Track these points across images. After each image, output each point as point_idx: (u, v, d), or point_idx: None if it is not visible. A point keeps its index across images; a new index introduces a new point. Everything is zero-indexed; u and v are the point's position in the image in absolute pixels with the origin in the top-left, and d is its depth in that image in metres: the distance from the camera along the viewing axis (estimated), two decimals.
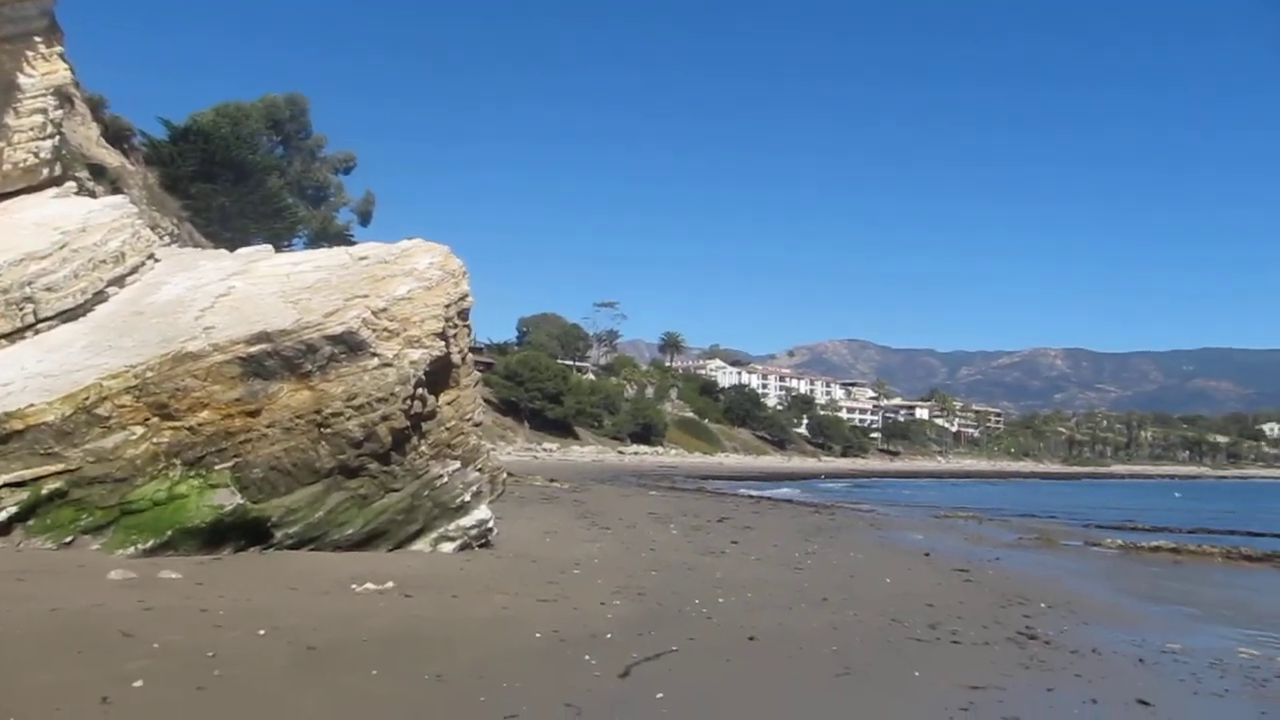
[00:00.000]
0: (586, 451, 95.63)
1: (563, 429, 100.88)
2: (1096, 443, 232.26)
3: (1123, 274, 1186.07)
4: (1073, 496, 74.77)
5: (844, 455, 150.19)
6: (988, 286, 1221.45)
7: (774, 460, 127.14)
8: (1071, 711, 8.97)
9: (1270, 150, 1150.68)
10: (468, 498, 15.93)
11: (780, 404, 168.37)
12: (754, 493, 52.09)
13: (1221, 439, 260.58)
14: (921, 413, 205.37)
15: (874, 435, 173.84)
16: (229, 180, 54.71)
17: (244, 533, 13.66)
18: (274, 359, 13.67)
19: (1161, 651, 12.34)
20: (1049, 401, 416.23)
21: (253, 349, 13.62)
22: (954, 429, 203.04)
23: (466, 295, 16.16)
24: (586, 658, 9.42)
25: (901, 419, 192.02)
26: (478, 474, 16.26)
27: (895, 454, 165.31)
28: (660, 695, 8.36)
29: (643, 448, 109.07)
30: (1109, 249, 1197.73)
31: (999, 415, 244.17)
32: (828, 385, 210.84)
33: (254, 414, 13.60)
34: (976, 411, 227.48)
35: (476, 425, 16.94)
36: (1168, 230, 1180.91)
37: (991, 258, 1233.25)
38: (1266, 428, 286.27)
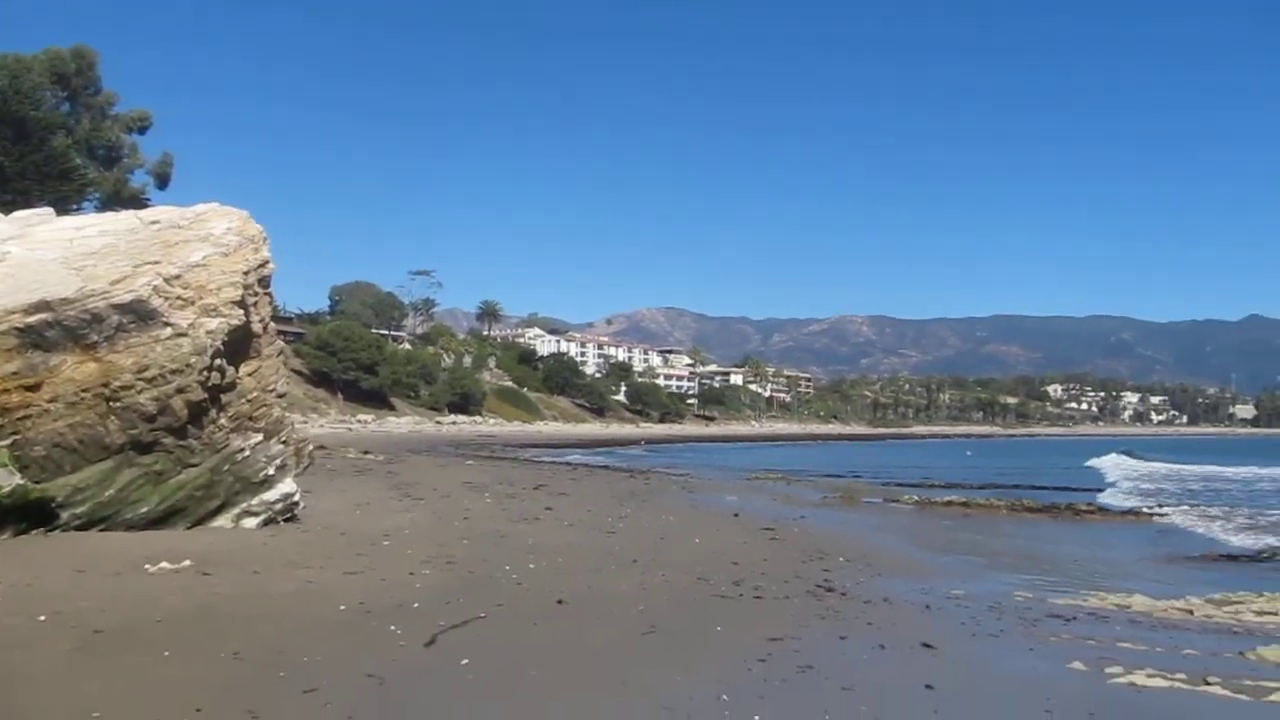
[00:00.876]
0: (403, 422, 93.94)
1: (378, 400, 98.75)
2: (899, 405, 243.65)
3: (923, 244, 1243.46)
4: (876, 456, 78.31)
5: (661, 421, 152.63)
6: (799, 257, 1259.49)
7: (593, 428, 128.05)
8: (861, 657, 9.46)
9: (1047, 125, 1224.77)
10: (271, 471, 15.47)
11: (599, 372, 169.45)
12: (571, 460, 52.46)
13: (1011, 400, 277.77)
14: (736, 379, 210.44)
15: (691, 401, 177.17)
16: (7, 139, 50.94)
17: (25, 514, 12.85)
18: (55, 329, 12.89)
19: (946, 598, 13.16)
20: (855, 366, 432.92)
21: (31, 319, 12.80)
22: (767, 394, 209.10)
23: (267, 262, 15.63)
24: (392, 628, 9.34)
25: (717, 385, 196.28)
26: (282, 447, 15.80)
27: (711, 419, 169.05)
28: (466, 661, 8.38)
29: (461, 417, 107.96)
30: (909, 220, 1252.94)
31: (809, 380, 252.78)
32: (645, 353, 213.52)
33: (34, 388, 12.81)
34: (788, 377, 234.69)
35: (281, 397, 16.45)
36: (961, 202, 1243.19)
37: (802, 229, 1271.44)
38: (1051, 389, 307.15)
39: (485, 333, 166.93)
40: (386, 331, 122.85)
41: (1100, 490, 40.04)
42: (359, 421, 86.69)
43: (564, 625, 10.08)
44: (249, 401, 15.07)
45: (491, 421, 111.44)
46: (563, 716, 7.20)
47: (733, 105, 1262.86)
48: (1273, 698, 8.63)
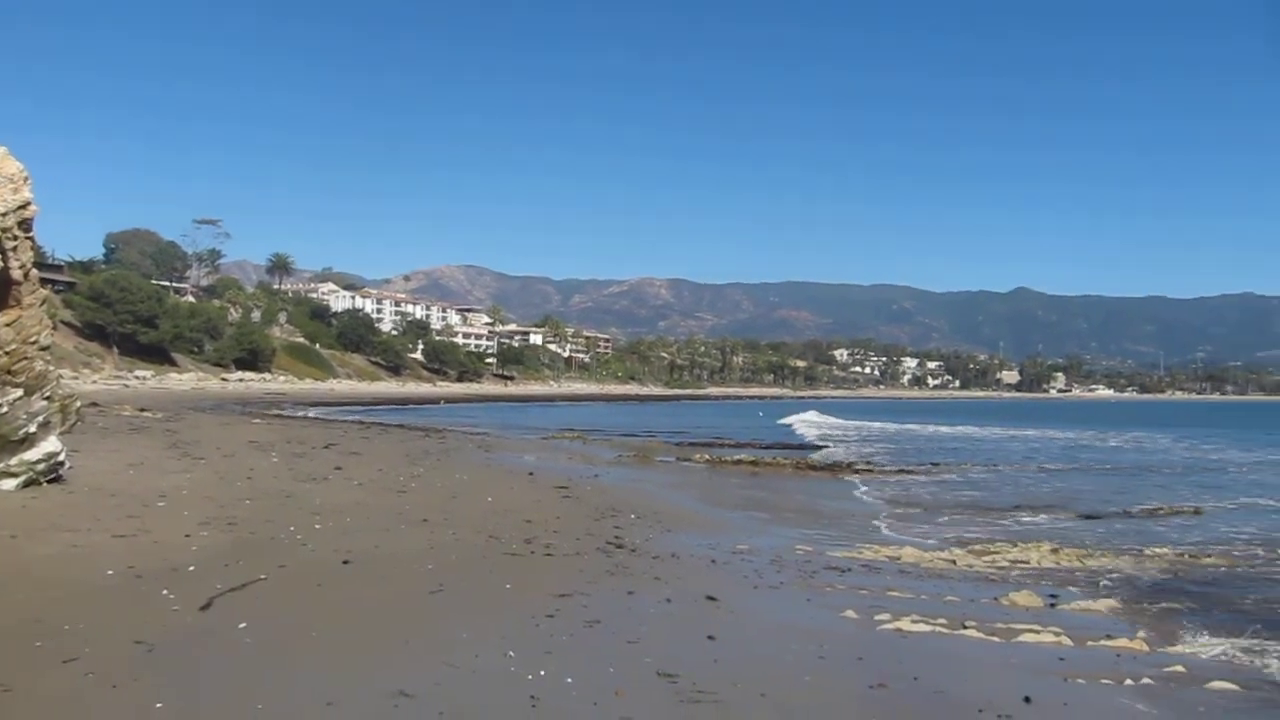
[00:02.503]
0: (186, 379, 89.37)
1: (159, 355, 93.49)
2: (695, 367, 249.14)
3: (721, 210, 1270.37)
4: (671, 417, 79.96)
5: (460, 380, 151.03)
6: (601, 218, 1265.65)
7: (389, 386, 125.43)
8: (648, 611, 9.66)
9: (835, 95, 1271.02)
10: (33, 429, 14.39)
11: (396, 329, 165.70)
12: (364, 418, 51.28)
13: (801, 363, 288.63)
14: (536, 338, 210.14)
15: (490, 360, 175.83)
16: None
17: None
18: None
19: (732, 553, 13.61)
20: (654, 328, 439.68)
21: None
22: (566, 354, 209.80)
23: (29, 204, 14.44)
24: (164, 592, 8.91)
25: (516, 345, 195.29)
26: (45, 403, 14.72)
27: (510, 379, 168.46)
28: (244, 625, 8.08)
29: (249, 374, 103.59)
30: (708, 186, 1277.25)
31: (608, 341, 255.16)
32: (444, 311, 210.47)
33: None
34: (587, 337, 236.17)
35: (44, 349, 15.29)
36: (758, 169, 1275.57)
37: (605, 190, 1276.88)
38: (838, 353, 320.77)
39: (276, 287, 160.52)
40: (168, 283, 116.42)
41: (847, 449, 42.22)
42: (136, 378, 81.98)
43: (349, 586, 9.86)
44: (7, 354, 13.97)
45: (281, 379, 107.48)
46: (345, 678, 7.05)
47: (529, 57, 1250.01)
48: (1022, 638, 9.35)
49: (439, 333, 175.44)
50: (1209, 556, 14.48)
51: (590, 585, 10.58)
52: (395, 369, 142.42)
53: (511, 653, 7.76)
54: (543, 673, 7.31)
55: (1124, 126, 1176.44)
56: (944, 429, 64.10)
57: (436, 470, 21.98)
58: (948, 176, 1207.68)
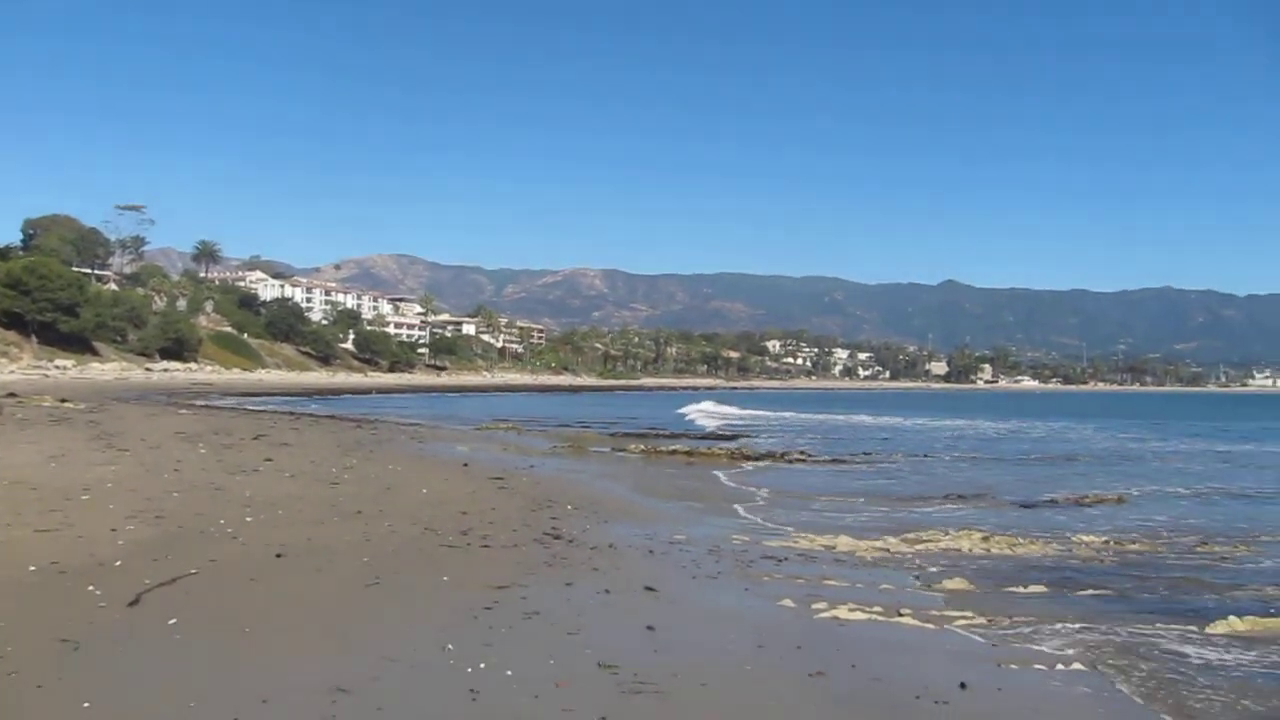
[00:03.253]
0: (109, 369, 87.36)
1: (80, 344, 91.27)
2: (629, 357, 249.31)
3: (655, 201, 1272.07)
4: (605, 407, 79.92)
5: (392, 370, 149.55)
6: (535, 208, 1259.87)
7: (319, 376, 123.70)
8: (587, 602, 9.63)
9: (770, 93, 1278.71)
10: None
11: (326, 319, 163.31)
12: (294, 409, 50.52)
13: (734, 354, 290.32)
14: (469, 328, 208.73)
15: (422, 351, 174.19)
16: None
17: None
18: None
19: (669, 543, 13.63)
20: (588, 319, 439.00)
21: None
22: (500, 345, 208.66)
23: None
24: (91, 588, 8.68)
25: (449, 335, 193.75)
26: None
27: (443, 369, 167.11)
28: (174, 621, 7.91)
29: (174, 364, 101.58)
30: (641, 177, 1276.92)
31: (542, 332, 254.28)
32: (375, 300, 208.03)
33: None
34: (521, 328, 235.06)
35: None
36: (691, 163, 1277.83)
37: (538, 180, 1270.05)
38: (770, 344, 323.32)
39: (202, 275, 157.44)
40: (90, 270, 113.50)
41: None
42: (57, 367, 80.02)
43: (283, 579, 9.70)
44: None
45: (208, 369, 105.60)
46: (280, 674, 6.92)
47: (459, 42, 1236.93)
48: (957, 624, 9.50)
49: (370, 322, 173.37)
50: (1134, 543, 14.84)
51: (528, 577, 10.53)
52: (326, 359, 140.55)
53: (450, 645, 7.69)
54: (483, 665, 7.25)
55: (1045, 130, 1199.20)
56: (867, 419, 64.92)
57: (370, 461, 21.72)
58: (878, 172, 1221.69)
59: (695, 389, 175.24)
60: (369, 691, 6.57)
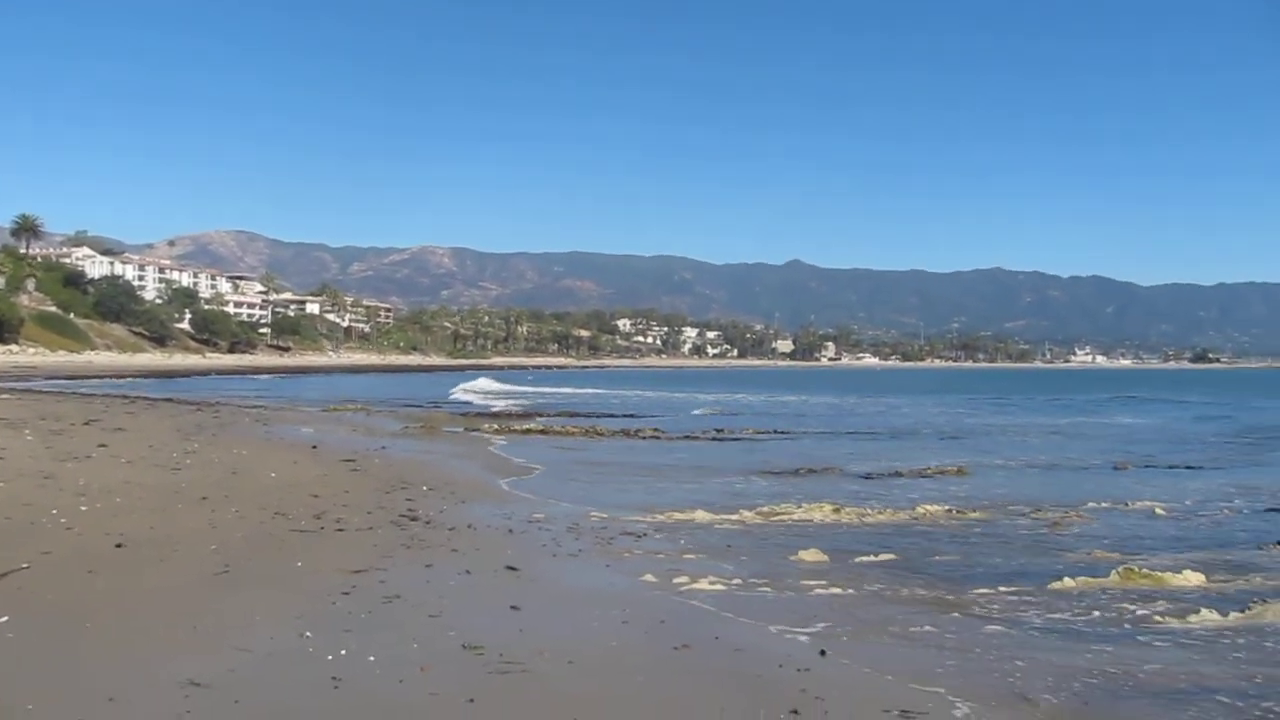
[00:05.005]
0: None
1: None
2: (479, 337, 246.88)
3: (504, 178, 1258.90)
4: (456, 387, 78.95)
5: (232, 351, 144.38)
6: (381, 184, 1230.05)
7: (154, 358, 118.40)
8: (449, 583, 9.50)
9: (616, 67, 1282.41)
10: None
11: (160, 298, 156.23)
12: (128, 392, 48.24)
13: (585, 333, 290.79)
14: (313, 308, 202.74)
15: (264, 330, 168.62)
16: None
17: None
18: None
19: (528, 522, 13.56)
20: (436, 298, 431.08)
21: None
22: (345, 324, 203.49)
23: None
24: None
25: (292, 314, 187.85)
26: None
27: (286, 349, 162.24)
28: (5, 619, 7.44)
29: None
30: (491, 153, 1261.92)
31: (389, 311, 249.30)
32: (214, 278, 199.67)
33: None
34: (367, 307, 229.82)
35: None
36: (539, 140, 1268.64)
37: (385, 154, 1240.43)
38: (621, 323, 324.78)
39: (23, 251, 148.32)
40: None
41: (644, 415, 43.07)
42: None
43: (125, 571, 9.26)
44: None
45: (31, 351, 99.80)
46: (127, 671, 6.60)
47: (302, 13, 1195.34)
48: (814, 593, 9.75)
49: (208, 301, 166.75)
50: (974, 511, 15.50)
51: (386, 560, 10.32)
52: (160, 340, 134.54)
53: (309, 633, 7.47)
54: (343, 652, 7.07)
55: (883, 114, 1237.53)
56: (711, 397, 66.05)
57: (212, 445, 20.93)
58: (725, 153, 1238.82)
59: (548, 368, 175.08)
60: (224, 684, 6.32)
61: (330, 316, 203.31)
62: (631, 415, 42.17)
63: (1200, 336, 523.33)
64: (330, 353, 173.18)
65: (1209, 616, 9.08)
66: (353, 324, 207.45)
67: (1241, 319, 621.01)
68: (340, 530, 11.93)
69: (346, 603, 8.51)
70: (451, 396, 58.71)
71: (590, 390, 75.06)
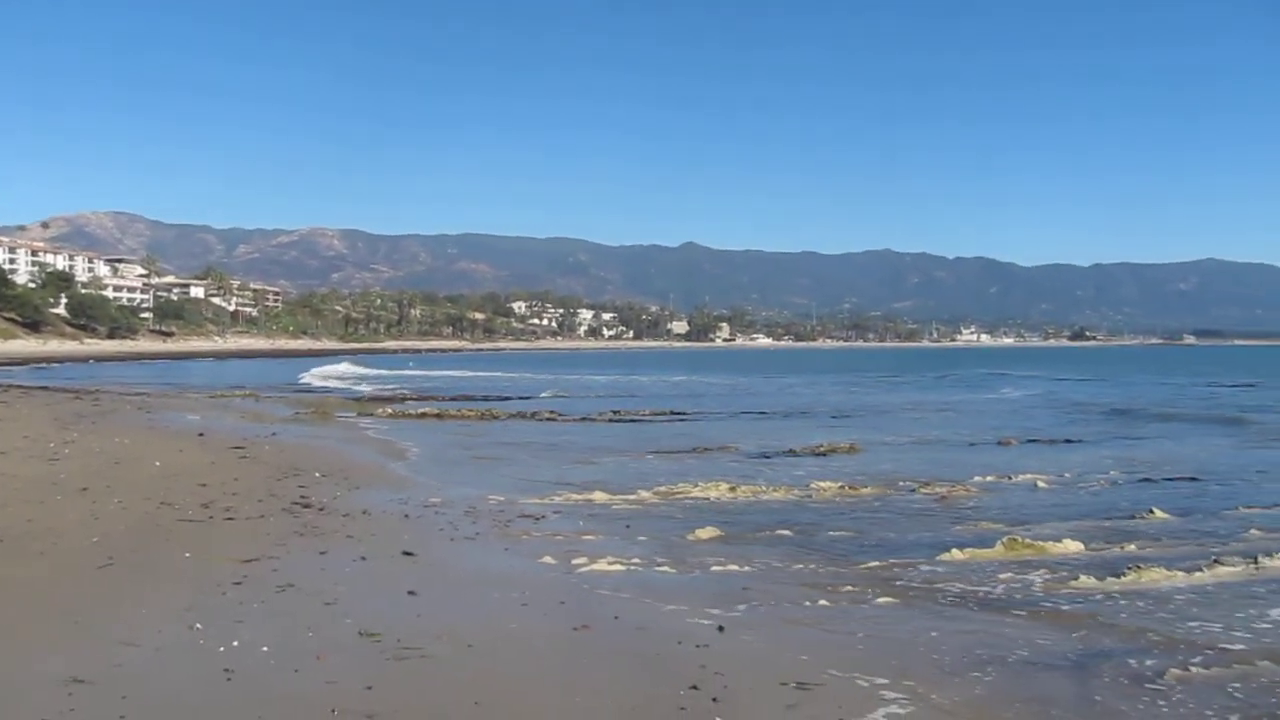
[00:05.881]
0: None
1: None
2: (371, 320, 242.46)
3: (395, 157, 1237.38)
4: (375, 369, 77.52)
5: (111, 337, 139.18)
6: (267, 163, 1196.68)
7: (26, 344, 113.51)
8: (344, 570, 9.35)
9: (506, 44, 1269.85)
10: None
11: (33, 281, 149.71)
12: (0, 380, 46.21)
13: (479, 316, 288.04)
14: (197, 291, 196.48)
15: (145, 315, 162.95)
16: None
17: None
18: None
19: (425, 506, 13.42)
20: (327, 281, 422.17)
21: None
22: (232, 308, 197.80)
23: None
24: None
25: (176, 298, 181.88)
26: None
27: (169, 334, 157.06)
28: None
29: None
30: (378, 131, 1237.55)
31: (277, 294, 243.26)
32: (90, 261, 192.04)
33: None
34: (255, 290, 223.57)
35: None
36: (428, 118, 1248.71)
37: (267, 132, 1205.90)
38: (516, 306, 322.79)
39: None
40: None
41: (533, 396, 43.00)
42: None
43: (1, 565, 8.87)
44: None
45: None
46: (5, 669, 6.33)
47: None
48: (712, 570, 9.86)
49: (85, 285, 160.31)
50: (866, 488, 15.84)
51: (279, 548, 10.12)
52: (34, 325, 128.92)
53: (199, 625, 7.29)
54: (236, 643, 6.91)
55: (775, 104, 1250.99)
56: (604, 379, 66.23)
57: (93, 434, 20.22)
58: (619, 135, 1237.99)
59: (442, 351, 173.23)
60: (111, 680, 6.13)
61: (216, 300, 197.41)
62: (503, 397, 42.00)
63: (1078, 315, 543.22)
64: (217, 338, 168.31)
65: (1088, 582, 9.46)
66: (240, 308, 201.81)
67: (1115, 298, 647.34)
68: (230, 519, 11.65)
69: (238, 593, 8.32)
70: (301, 381, 57.02)
71: (447, 372, 74.55)
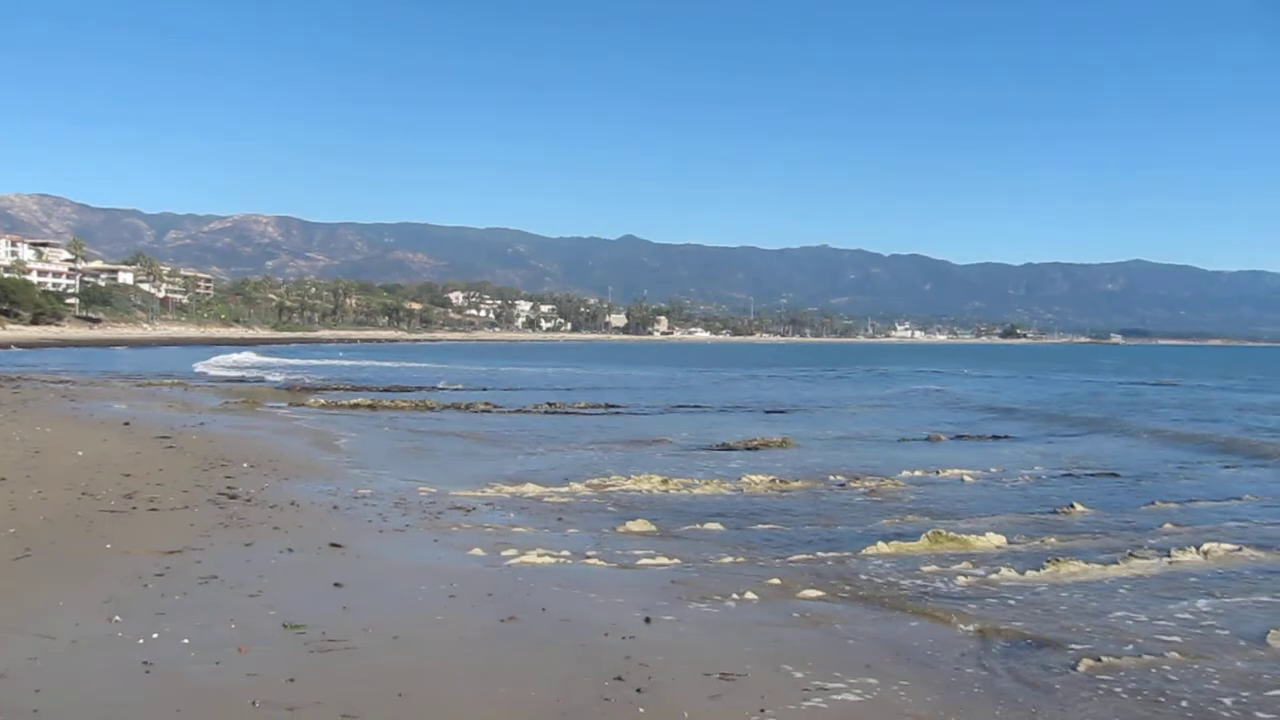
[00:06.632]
0: None
1: None
2: (305, 309, 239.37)
3: (331, 143, 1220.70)
4: (281, 358, 76.50)
5: (35, 323, 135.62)
6: (201, 149, 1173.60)
7: None
8: (269, 562, 9.26)
9: (447, 27, 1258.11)
10: None
11: None
12: None
13: (416, 306, 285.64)
14: (126, 277, 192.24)
15: (71, 301, 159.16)
16: None
17: None
18: None
19: (354, 497, 13.31)
20: (261, 268, 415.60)
21: None
22: (162, 295, 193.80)
23: None
24: None
25: (103, 284, 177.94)
26: None
27: (96, 321, 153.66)
28: None
29: None
30: (314, 117, 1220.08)
31: (209, 281, 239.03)
32: (14, 244, 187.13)
33: None
34: (186, 277, 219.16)
35: None
36: (365, 104, 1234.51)
37: (204, 113, 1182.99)
38: (453, 296, 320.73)
39: None
40: None
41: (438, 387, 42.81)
42: None
43: None
44: None
45: None
46: None
47: None
48: (640, 563, 9.92)
49: (8, 269, 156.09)
50: (797, 481, 16.03)
51: (203, 540, 9.98)
52: None
53: (118, 617, 7.18)
54: (155, 636, 6.82)
55: (724, 82, 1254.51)
56: (536, 370, 66.12)
57: (12, 423, 19.74)
58: (559, 122, 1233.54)
59: (378, 341, 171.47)
60: (26, 674, 6.01)
61: (145, 287, 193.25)
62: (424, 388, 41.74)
63: (1009, 313, 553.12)
64: (146, 325, 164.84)
65: (1008, 575, 9.68)
66: (170, 295, 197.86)
67: (1046, 296, 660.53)
68: (154, 510, 11.45)
69: (160, 585, 8.20)
70: (196, 370, 54.49)
71: (379, 363, 73.87)
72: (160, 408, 26.76)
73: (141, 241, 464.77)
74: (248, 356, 77.50)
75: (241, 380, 45.34)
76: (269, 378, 48.35)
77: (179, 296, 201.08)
